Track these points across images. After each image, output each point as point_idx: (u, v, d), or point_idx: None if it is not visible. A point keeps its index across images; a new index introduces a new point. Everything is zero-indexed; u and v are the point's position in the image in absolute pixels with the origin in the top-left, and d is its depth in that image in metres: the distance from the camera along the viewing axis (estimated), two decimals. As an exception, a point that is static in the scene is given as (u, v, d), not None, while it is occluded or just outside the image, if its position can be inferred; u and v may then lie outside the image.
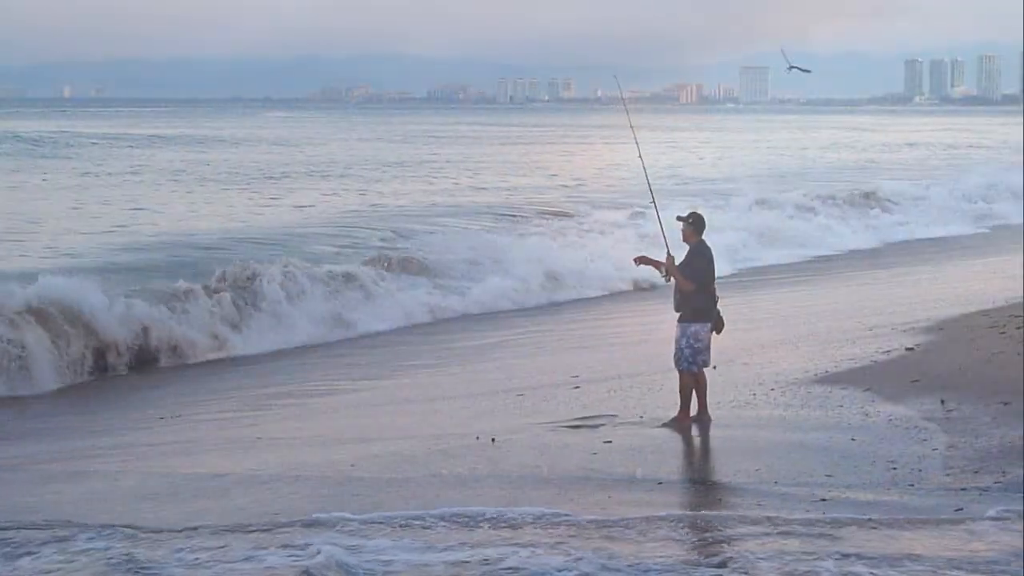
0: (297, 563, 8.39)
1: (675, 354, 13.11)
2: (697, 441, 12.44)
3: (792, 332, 19.19)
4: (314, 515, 9.75)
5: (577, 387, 15.61)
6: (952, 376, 14.27)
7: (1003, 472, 10.62)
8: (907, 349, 16.33)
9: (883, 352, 16.25)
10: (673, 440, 12.39)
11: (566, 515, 9.60)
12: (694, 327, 12.97)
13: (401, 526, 9.43)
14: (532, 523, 9.42)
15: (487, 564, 8.39)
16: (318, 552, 8.46)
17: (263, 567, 8.45)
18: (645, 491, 10.43)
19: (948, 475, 10.73)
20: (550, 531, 9.22)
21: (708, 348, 13.08)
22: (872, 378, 14.64)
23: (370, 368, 19.68)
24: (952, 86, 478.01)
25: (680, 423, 12.85)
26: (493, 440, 12.59)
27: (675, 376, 13.29)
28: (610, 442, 12.27)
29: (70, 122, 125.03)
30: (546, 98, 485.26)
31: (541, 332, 22.65)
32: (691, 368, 12.96)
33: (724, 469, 11.47)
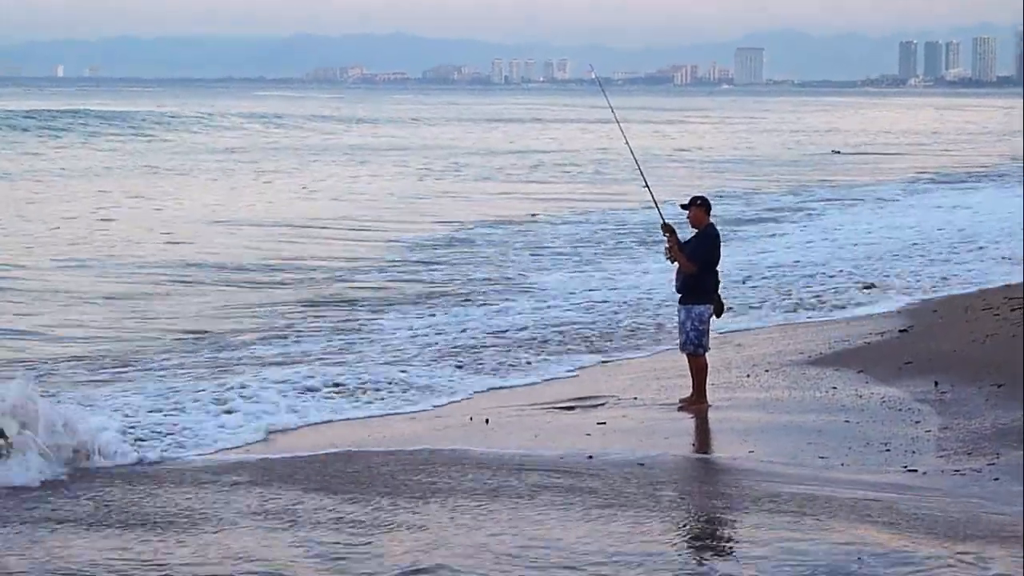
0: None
1: (680, 338, 13.03)
2: (691, 423, 12.45)
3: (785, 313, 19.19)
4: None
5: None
6: (946, 358, 14.28)
7: (996, 454, 10.63)
8: (900, 331, 16.35)
9: (877, 334, 16.27)
10: (667, 422, 12.39)
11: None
12: (697, 309, 12.86)
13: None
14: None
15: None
16: None
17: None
18: (638, 471, 10.41)
19: (941, 457, 10.74)
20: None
21: (709, 331, 13.03)
22: (865, 360, 14.66)
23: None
24: (947, 67, 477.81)
25: (698, 406, 12.79)
26: (487, 421, 12.59)
27: (671, 358, 13.24)
28: (604, 423, 12.28)
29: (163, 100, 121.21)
30: (541, 79, 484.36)
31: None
32: (697, 351, 12.87)
33: (718, 451, 11.48)
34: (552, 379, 14.90)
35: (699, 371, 12.91)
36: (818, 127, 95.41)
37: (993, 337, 14.96)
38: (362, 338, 17.20)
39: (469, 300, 20.33)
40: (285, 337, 17.22)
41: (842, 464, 10.62)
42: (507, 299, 20.40)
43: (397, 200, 37.82)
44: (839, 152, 62.28)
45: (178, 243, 27.06)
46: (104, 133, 67.46)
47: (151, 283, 21.89)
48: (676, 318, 13.27)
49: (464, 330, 17.74)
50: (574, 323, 18.25)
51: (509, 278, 22.82)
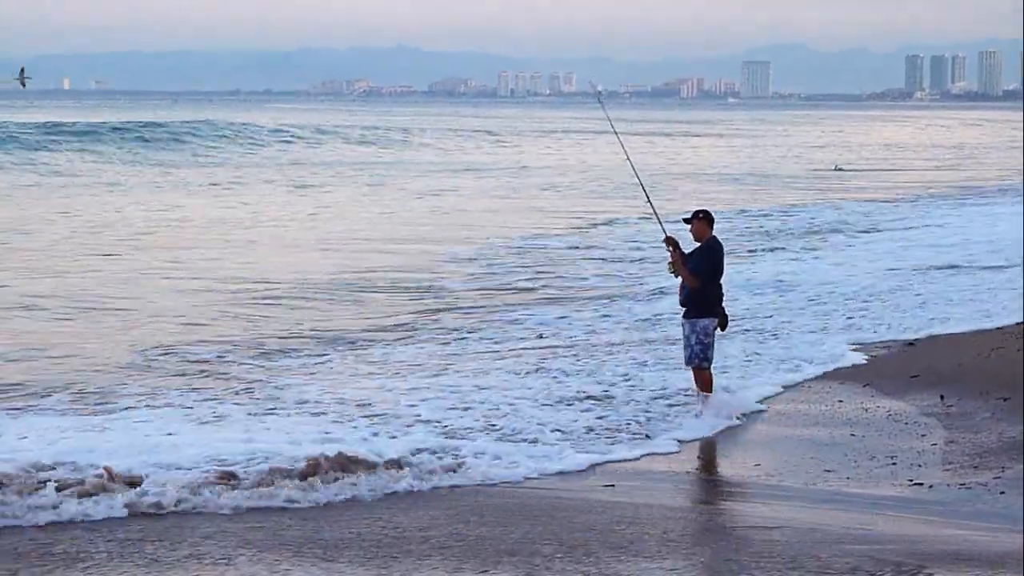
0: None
1: (686, 352, 12.99)
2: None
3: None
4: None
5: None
6: (951, 372, 14.28)
7: (1002, 467, 10.64)
8: (907, 344, 16.36)
9: (883, 347, 16.27)
10: (673, 434, 12.38)
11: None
12: (702, 322, 12.82)
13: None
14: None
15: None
16: None
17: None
18: (647, 483, 10.42)
19: (947, 470, 10.75)
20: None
21: (714, 344, 13.01)
22: (872, 373, 14.66)
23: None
24: (953, 81, 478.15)
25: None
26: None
27: (680, 372, 13.18)
28: (610, 436, 12.28)
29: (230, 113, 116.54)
30: (547, 92, 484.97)
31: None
32: (702, 365, 12.85)
33: (724, 464, 11.49)
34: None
35: (705, 385, 12.90)
36: (823, 142, 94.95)
37: (999, 351, 14.96)
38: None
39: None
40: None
41: (848, 478, 10.63)
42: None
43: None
44: (841, 169, 62.00)
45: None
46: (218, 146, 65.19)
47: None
48: (681, 332, 13.26)
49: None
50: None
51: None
